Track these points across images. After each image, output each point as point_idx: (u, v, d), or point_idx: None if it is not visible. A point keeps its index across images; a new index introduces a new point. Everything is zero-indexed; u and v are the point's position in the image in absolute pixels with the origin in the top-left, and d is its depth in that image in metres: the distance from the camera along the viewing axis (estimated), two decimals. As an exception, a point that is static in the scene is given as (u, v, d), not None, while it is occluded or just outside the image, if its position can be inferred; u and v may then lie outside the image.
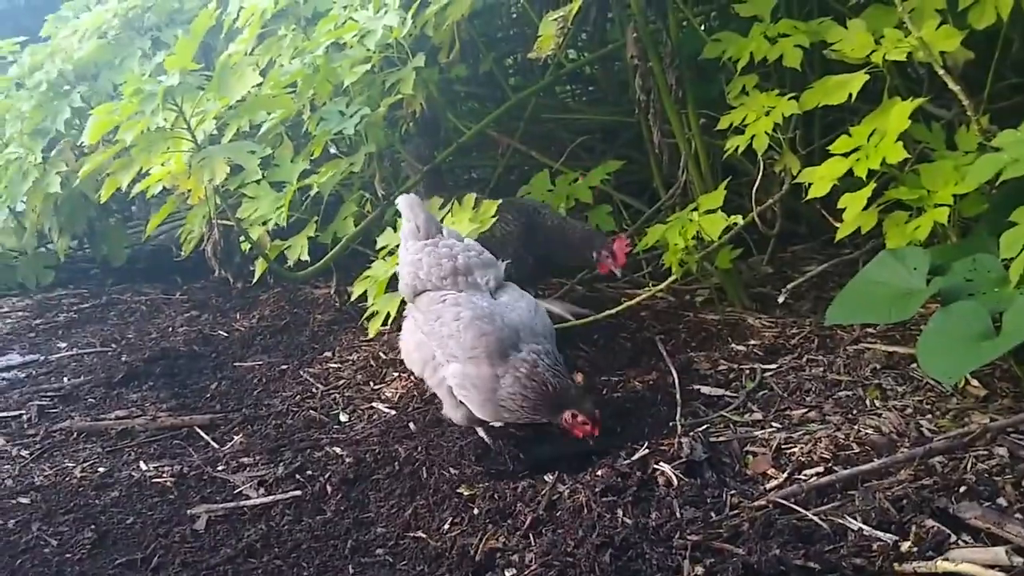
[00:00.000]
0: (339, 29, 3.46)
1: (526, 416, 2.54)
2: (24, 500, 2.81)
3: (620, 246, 3.24)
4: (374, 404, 3.23)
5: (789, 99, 3.08)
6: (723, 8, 4.00)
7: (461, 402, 2.62)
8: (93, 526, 2.62)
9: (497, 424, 2.74)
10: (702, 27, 3.70)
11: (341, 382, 3.44)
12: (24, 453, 3.12)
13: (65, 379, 3.77)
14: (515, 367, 2.49)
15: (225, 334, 4.12)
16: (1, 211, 4.79)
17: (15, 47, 5.69)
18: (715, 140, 3.53)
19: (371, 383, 3.40)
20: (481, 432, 2.75)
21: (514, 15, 4.58)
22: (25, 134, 4.51)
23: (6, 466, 3.04)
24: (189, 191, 3.42)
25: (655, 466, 2.49)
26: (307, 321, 4.12)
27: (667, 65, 3.39)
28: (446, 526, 2.42)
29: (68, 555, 2.50)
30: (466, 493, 2.54)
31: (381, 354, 3.58)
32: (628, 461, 2.52)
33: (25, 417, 3.40)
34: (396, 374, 3.41)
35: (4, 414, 3.44)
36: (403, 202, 2.81)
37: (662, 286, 3.21)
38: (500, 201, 3.31)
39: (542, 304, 2.81)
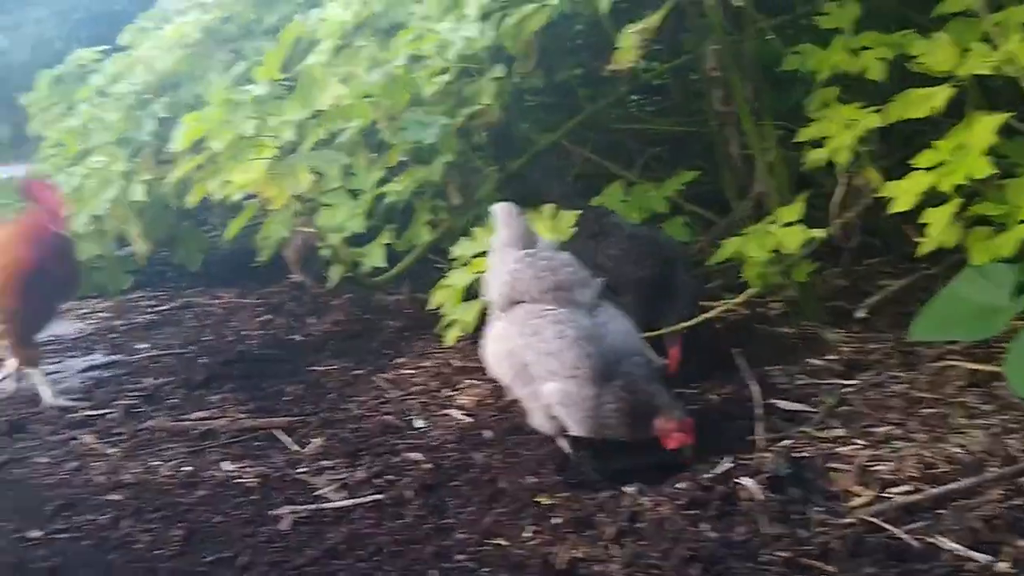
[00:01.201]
0: (418, 41, 3.53)
1: (626, 432, 2.56)
2: (115, 497, 2.89)
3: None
4: (449, 411, 3.27)
5: (872, 112, 3.06)
6: (797, 19, 3.98)
7: (553, 416, 2.64)
8: (181, 524, 2.68)
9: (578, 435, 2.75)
10: (777, 38, 3.69)
11: (415, 388, 3.49)
12: (112, 451, 3.21)
13: (147, 379, 3.87)
14: (615, 383, 2.53)
15: (299, 338, 4.20)
16: (83, 217, 4.94)
17: (97, 56, 5.90)
18: (790, 152, 3.52)
19: (445, 390, 3.45)
20: (562, 442, 2.77)
21: (586, 26, 4.60)
22: (110, 143, 4.65)
23: (96, 463, 3.13)
24: (270, 198, 3.51)
25: (737, 481, 2.49)
26: (379, 327, 4.18)
27: (745, 76, 3.39)
28: (527, 534, 2.44)
29: (159, 551, 2.56)
30: (546, 502, 2.56)
31: (454, 361, 3.63)
32: (710, 475, 2.52)
33: (111, 416, 3.51)
34: (469, 381, 3.45)
35: (92, 412, 3.56)
36: (500, 210, 2.82)
37: (740, 299, 3.20)
38: (644, 233, 3.26)
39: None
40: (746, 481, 2.47)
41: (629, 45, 3.15)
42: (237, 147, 3.15)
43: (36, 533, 2.68)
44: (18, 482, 3.02)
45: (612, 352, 2.59)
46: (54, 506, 2.83)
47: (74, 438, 3.33)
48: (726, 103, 3.41)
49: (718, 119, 3.45)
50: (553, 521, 2.47)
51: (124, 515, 2.76)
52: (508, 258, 2.77)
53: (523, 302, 2.74)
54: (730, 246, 3.31)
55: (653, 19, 3.10)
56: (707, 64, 3.37)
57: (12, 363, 3.70)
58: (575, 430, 2.65)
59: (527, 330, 2.67)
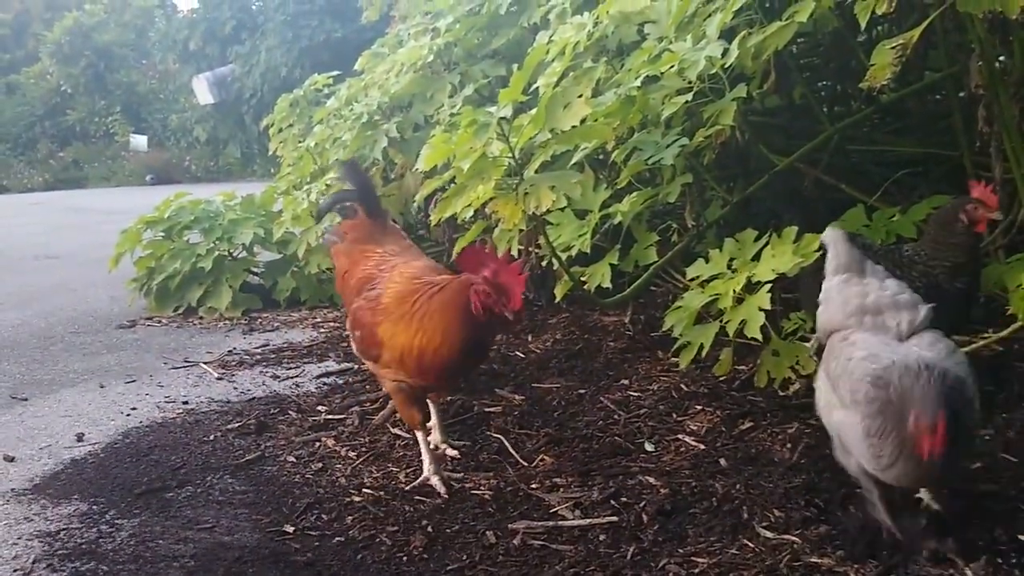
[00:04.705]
0: (655, 61, 3.49)
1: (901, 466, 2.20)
2: (358, 499, 3.02)
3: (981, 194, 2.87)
4: (679, 436, 3.21)
5: None
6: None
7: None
8: (422, 530, 2.76)
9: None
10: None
11: (642, 411, 3.44)
12: (352, 455, 3.36)
13: (377, 387, 4.03)
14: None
15: (521, 355, 4.26)
16: (317, 231, 5.25)
17: (329, 81, 6.29)
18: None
19: (674, 414, 3.38)
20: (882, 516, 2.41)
21: (825, 45, 4.43)
22: (345, 162, 4.92)
23: (338, 465, 3.29)
24: (504, 216, 3.56)
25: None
26: (599, 347, 4.17)
27: (1011, 96, 3.15)
28: (777, 570, 2.35)
29: (402, 555, 2.65)
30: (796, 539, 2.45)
31: (683, 385, 3.56)
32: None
33: (348, 422, 3.68)
34: (699, 407, 3.37)
35: (331, 417, 3.75)
36: (829, 236, 2.63)
37: (1004, 333, 2.95)
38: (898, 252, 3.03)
39: None
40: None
41: (884, 62, 2.98)
42: (480, 167, 3.22)
43: (289, 528, 2.84)
44: (271, 479, 3.21)
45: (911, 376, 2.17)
46: (304, 504, 2.99)
47: (317, 440, 3.51)
48: (989, 123, 3.17)
49: (982, 140, 3.20)
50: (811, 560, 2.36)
51: (368, 517, 2.87)
52: (825, 285, 2.58)
53: (837, 330, 2.50)
54: (991, 275, 3.07)
55: (913, 34, 2.92)
56: (970, 81, 3.15)
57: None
58: (864, 467, 2.29)
59: (842, 356, 2.39)
